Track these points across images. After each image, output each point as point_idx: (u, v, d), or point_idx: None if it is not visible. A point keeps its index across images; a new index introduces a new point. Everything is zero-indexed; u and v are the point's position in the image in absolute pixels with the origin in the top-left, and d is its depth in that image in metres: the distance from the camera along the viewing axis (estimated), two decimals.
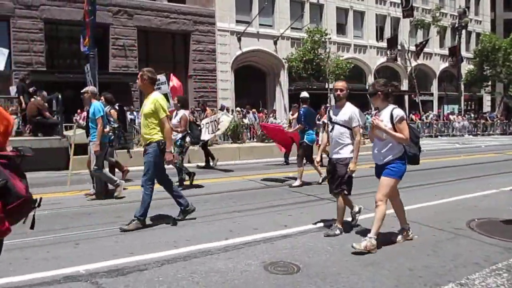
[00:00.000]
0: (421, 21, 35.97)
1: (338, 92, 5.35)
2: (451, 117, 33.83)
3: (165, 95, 9.07)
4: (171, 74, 12.09)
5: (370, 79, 35.02)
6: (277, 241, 5.09)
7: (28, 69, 20.12)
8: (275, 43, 29.43)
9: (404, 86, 37.49)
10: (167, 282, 3.82)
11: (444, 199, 7.55)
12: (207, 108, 14.32)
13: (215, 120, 11.41)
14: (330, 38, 29.89)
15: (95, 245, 5.00)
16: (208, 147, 13.00)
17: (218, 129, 11.14)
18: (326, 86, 30.02)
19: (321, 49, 28.80)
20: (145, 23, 24.49)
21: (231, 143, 16.22)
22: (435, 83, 39.92)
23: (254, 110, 23.19)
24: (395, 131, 4.63)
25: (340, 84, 5.44)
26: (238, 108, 23.44)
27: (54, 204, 7.26)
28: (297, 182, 9.15)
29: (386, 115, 4.72)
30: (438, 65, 39.61)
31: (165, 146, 5.75)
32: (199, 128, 9.44)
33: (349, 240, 5.06)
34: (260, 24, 28.76)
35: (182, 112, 8.73)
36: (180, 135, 8.68)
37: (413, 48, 36.37)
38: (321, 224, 5.81)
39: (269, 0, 28.72)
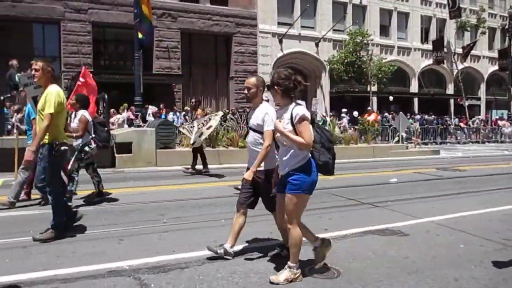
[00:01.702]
0: (465, 23, 34.68)
1: (246, 91, 4.52)
2: (499, 122, 32.48)
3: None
4: (84, 68, 10.35)
5: (414, 82, 34.22)
6: None
7: (77, 70, 20.94)
8: (317, 45, 29.25)
9: (450, 89, 36.36)
10: (207, 281, 3.86)
11: (492, 208, 7.24)
12: (199, 108, 12.49)
13: (204, 121, 10.72)
14: (372, 40, 29.41)
15: (138, 241, 5.12)
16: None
17: (204, 130, 10.46)
18: (368, 89, 29.55)
19: (363, 51, 28.38)
20: (188, 26, 24.93)
21: None
22: (482, 87, 38.45)
23: None
24: (297, 134, 3.81)
25: (249, 81, 4.50)
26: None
27: (100, 201, 7.50)
28: None
29: (287, 115, 3.87)
30: (487, 68, 38.15)
31: (61, 147, 5.11)
32: (106, 129, 7.83)
33: (389, 247, 4.95)
34: (301, 26, 28.67)
35: (81, 113, 7.18)
36: (80, 141, 7.13)
37: (459, 50, 35.21)
38: (363, 229, 5.70)
39: (311, 2, 28.60)
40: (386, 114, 27.24)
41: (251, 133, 4.50)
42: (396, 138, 20.70)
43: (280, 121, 3.89)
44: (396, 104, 31.30)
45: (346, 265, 4.33)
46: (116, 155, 12.27)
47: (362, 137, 18.51)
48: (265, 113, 4.33)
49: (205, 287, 3.75)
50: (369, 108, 24.19)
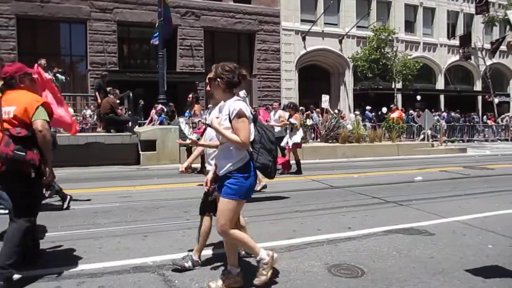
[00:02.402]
0: (493, 18, 33.69)
1: (208, 88, 4.04)
2: None
3: None
4: (36, 66, 8.53)
5: (440, 79, 33.55)
6: (340, 243, 5.00)
7: (102, 69, 21.33)
8: (340, 42, 28.98)
9: (478, 86, 35.51)
10: None
11: None
12: (196, 104, 11.61)
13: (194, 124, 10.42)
14: (397, 37, 28.95)
15: (162, 238, 5.18)
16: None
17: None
18: (393, 86, 29.13)
19: (387, 48, 27.97)
20: (212, 24, 25.05)
21: None
22: None
23: (318, 109, 22.99)
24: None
25: (210, 75, 4.07)
26: (301, 108, 23.31)
27: (125, 197, 7.64)
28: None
29: (226, 111, 3.53)
30: None
31: None
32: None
33: (414, 247, 4.87)
34: (325, 23, 28.44)
35: None
36: None
37: (488, 45, 34.31)
38: (387, 228, 5.63)
39: None
40: (411, 111, 26.76)
41: (208, 130, 4.08)
42: (421, 136, 20.36)
43: (217, 117, 3.60)
44: (421, 101, 30.76)
45: (371, 264, 4.28)
46: (140, 152, 12.46)
47: (387, 134, 18.28)
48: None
49: None
50: (392, 105, 23.83)
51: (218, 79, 3.59)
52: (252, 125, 3.57)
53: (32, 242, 4.18)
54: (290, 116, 11.00)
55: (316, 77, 29.49)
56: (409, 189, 8.94)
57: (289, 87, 27.32)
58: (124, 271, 4.04)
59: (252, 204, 7.20)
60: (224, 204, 3.50)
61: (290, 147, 10.87)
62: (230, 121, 3.45)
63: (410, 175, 10.87)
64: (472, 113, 31.43)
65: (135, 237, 5.18)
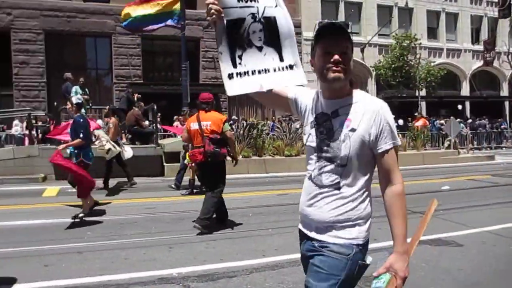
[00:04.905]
0: None
1: None
2: None
3: None
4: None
5: (465, 85, 32.94)
6: (370, 254, 4.92)
7: (127, 82, 21.74)
8: (362, 50, 28.81)
9: (504, 91, 34.72)
10: None
11: None
12: (113, 117, 11.05)
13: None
14: (420, 44, 28.61)
15: (187, 249, 5.21)
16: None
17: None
18: (417, 94, 28.75)
19: (410, 55, 27.65)
20: None
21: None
22: None
23: None
24: None
25: None
26: None
27: (150, 209, 7.71)
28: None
29: None
30: None
31: None
32: None
33: (442, 258, 4.76)
34: None
35: None
36: None
37: None
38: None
39: (356, 8, 28.23)
40: (438, 121, 26.15)
41: None
42: (446, 144, 19.94)
43: None
44: (446, 108, 30.22)
45: None
46: (165, 164, 12.57)
47: (411, 143, 17.97)
48: None
49: None
50: (416, 113, 23.48)
51: None
52: None
53: (223, 208, 6.39)
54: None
55: None
56: (436, 198, 8.74)
57: None
58: (150, 282, 4.07)
59: (275, 215, 7.18)
60: None
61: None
62: None
63: (437, 184, 10.66)
64: (499, 119, 30.71)
65: (161, 248, 5.22)
